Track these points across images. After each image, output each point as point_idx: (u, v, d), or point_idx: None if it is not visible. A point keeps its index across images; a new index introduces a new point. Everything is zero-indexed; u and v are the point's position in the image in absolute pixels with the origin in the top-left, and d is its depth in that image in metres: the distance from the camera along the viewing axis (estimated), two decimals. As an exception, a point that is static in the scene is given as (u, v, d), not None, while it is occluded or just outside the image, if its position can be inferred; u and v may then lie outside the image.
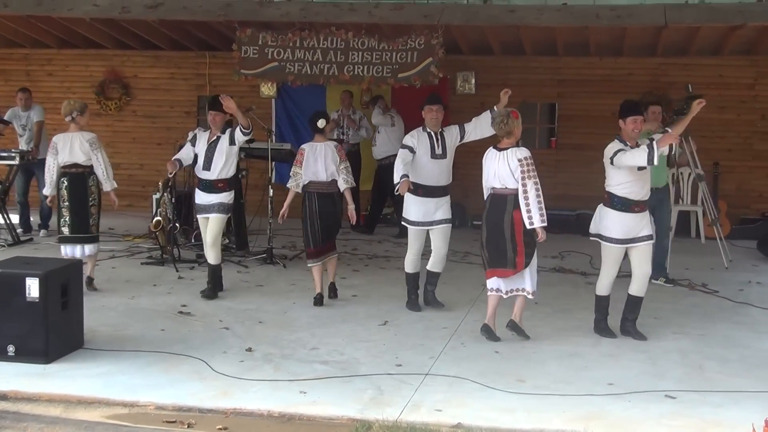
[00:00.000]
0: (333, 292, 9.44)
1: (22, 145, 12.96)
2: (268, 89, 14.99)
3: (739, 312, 9.31)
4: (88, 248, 9.53)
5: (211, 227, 9.44)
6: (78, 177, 9.46)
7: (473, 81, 14.72)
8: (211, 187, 9.40)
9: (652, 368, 7.40)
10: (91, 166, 9.48)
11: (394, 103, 14.71)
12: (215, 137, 9.45)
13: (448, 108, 9.28)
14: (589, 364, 7.46)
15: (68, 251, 9.47)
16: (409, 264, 9.22)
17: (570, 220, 14.01)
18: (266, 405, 6.38)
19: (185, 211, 12.14)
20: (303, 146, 9.25)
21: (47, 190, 9.66)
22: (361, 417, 6.16)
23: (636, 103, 8.34)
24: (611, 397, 6.64)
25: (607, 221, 8.13)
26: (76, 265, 7.98)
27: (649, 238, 8.12)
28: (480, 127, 9.06)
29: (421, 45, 11.96)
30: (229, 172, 9.50)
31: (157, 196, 11.67)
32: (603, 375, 7.16)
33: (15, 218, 12.74)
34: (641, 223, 8.09)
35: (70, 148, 9.43)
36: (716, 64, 13.96)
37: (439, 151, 8.95)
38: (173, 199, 11.50)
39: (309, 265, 9.26)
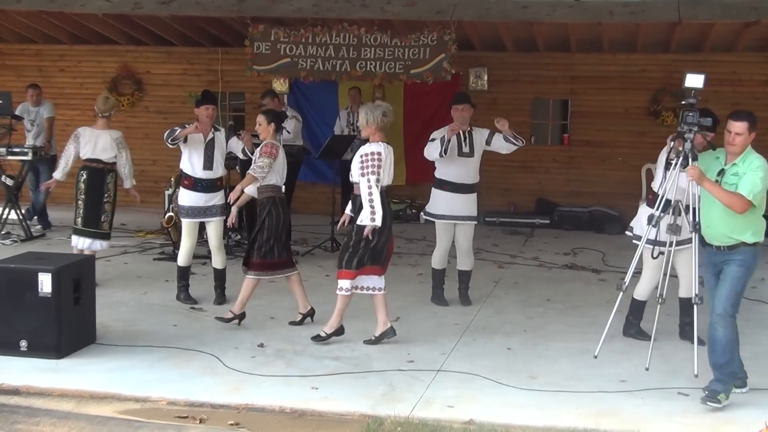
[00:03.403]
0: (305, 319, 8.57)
1: (30, 141, 12.99)
2: (280, 85, 14.99)
3: (752, 309, 9.28)
4: (97, 243, 9.61)
5: (217, 231, 9.13)
6: (97, 173, 9.56)
7: (486, 77, 14.70)
8: (211, 186, 9.11)
9: (665, 365, 7.38)
10: (112, 164, 9.59)
11: (407, 99, 14.71)
12: (211, 135, 9.13)
13: (477, 107, 9.23)
14: (600, 361, 7.43)
15: (78, 243, 9.53)
16: (436, 260, 9.27)
17: (582, 217, 13.98)
18: (278, 401, 6.39)
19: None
20: (275, 142, 8.46)
21: (58, 174, 9.71)
22: (372, 413, 6.16)
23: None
24: (623, 394, 6.63)
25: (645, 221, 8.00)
26: (89, 260, 8.00)
27: (689, 241, 7.93)
28: (498, 144, 9.13)
29: (433, 41, 11.94)
30: (224, 170, 9.37)
31: (170, 191, 11.69)
32: (615, 372, 7.15)
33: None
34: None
35: (94, 143, 9.52)
36: (730, 61, 13.91)
37: (466, 149, 9.00)
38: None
39: (250, 276, 8.34)
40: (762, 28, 12.21)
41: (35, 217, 13.19)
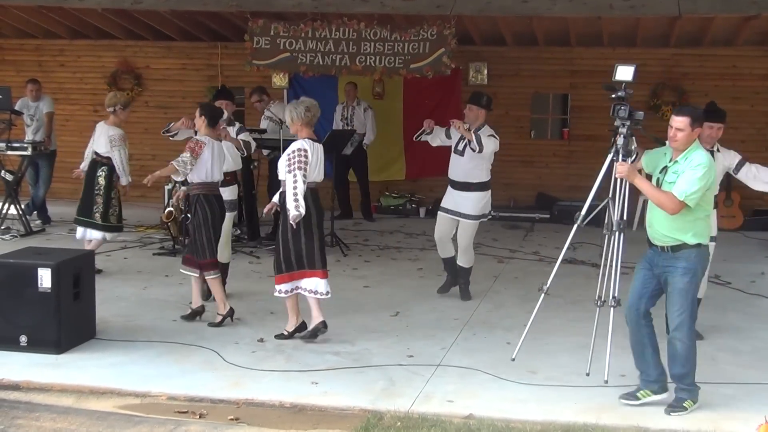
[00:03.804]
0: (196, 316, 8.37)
1: (29, 136, 12.99)
2: (280, 80, 14.97)
3: (752, 303, 9.28)
4: (90, 233, 9.79)
5: (226, 225, 8.98)
6: (93, 165, 9.83)
7: (485, 72, 14.68)
8: (222, 181, 9.20)
9: (664, 360, 7.37)
10: (107, 158, 9.74)
11: (407, 94, 14.69)
12: (223, 129, 9.23)
13: (488, 106, 9.21)
14: (601, 356, 7.42)
15: (77, 232, 9.91)
16: (437, 245, 9.38)
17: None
18: (278, 395, 6.39)
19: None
20: (202, 138, 8.20)
21: (82, 165, 10.10)
22: (372, 408, 6.16)
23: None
24: (623, 388, 6.62)
25: None
26: (89, 255, 8.00)
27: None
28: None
29: (433, 35, 11.93)
30: (234, 165, 9.34)
31: (169, 187, 11.69)
32: (615, 367, 7.14)
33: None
34: None
35: (97, 136, 9.81)
36: (730, 55, 13.89)
37: (460, 147, 9.01)
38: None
39: (212, 276, 8.23)
40: (762, 22, 12.20)
41: (35, 212, 13.19)
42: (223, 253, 9.08)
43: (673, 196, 6.10)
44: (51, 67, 16.06)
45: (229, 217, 9.09)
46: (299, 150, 7.55)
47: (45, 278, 7.13)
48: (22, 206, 12.45)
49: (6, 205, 12.27)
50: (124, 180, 9.82)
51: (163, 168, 8.31)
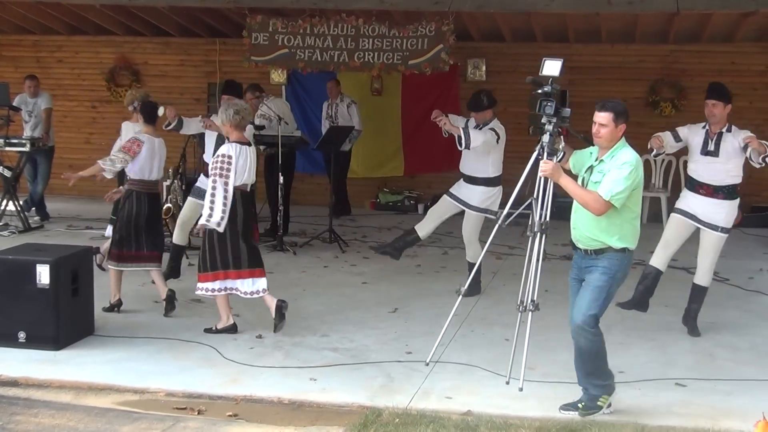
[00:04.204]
0: (171, 304, 8.38)
1: (27, 132, 12.99)
2: (278, 76, 14.96)
3: (750, 300, 9.29)
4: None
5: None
6: None
7: (484, 68, 14.68)
8: None
9: (662, 356, 7.39)
10: None
11: (405, 90, 14.68)
12: (209, 119, 9.28)
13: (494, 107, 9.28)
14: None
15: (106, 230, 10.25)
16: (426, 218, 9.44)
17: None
18: (276, 392, 6.40)
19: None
20: (140, 137, 8.33)
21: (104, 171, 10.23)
22: (371, 404, 6.16)
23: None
24: (621, 385, 6.61)
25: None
26: (87, 251, 7.99)
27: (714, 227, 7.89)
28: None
29: (431, 32, 11.91)
30: None
31: (168, 183, 11.67)
32: (613, 363, 7.10)
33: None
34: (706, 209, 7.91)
35: (124, 136, 10.03)
36: (728, 51, 13.89)
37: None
38: (183, 186, 11.50)
39: (108, 267, 8.38)
40: (760, 18, 12.20)
41: (33, 209, 13.18)
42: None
43: (599, 196, 5.86)
44: (49, 63, 16.05)
45: None
46: (223, 156, 7.61)
47: (43, 274, 7.13)
48: (21, 202, 12.45)
49: (4, 202, 12.27)
50: None
51: (90, 167, 8.46)
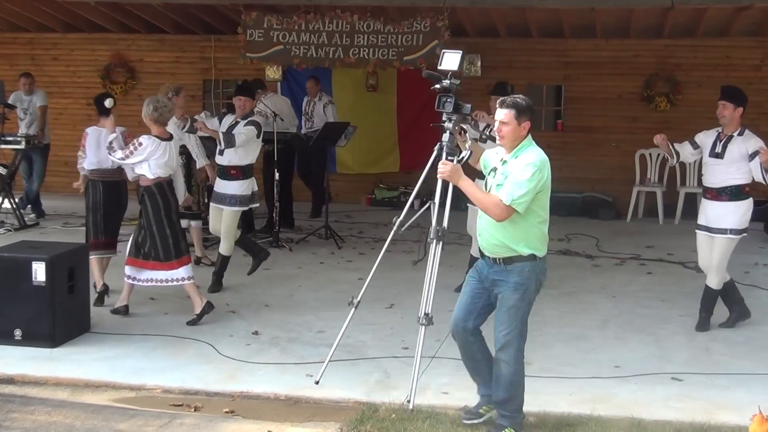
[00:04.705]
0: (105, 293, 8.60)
1: (23, 129, 12.98)
2: (273, 72, 14.93)
3: (746, 294, 9.24)
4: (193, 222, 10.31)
5: (226, 219, 9.21)
6: None
7: (479, 63, 14.64)
8: (224, 173, 9.28)
9: (659, 351, 7.40)
10: (185, 147, 10.05)
11: (400, 86, 14.67)
12: (234, 122, 9.30)
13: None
14: (595, 347, 7.46)
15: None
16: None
17: (576, 202, 13.99)
18: (273, 388, 6.40)
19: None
20: (87, 130, 8.76)
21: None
22: (367, 400, 6.17)
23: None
24: (617, 379, 6.65)
25: None
26: (82, 249, 7.99)
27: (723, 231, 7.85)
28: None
29: (426, 28, 11.91)
30: (243, 159, 9.29)
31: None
32: (609, 358, 7.17)
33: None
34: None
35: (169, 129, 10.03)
36: (723, 46, 13.89)
37: (484, 135, 9.05)
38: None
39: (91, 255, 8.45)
40: (754, 13, 12.21)
41: (29, 206, 13.17)
42: (224, 245, 9.24)
43: (499, 201, 5.40)
44: (44, 60, 16.02)
45: (229, 210, 9.18)
46: (137, 140, 8.05)
47: (39, 272, 7.13)
48: (16, 200, 12.44)
49: (0, 199, 12.25)
50: (201, 162, 10.10)
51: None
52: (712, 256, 7.92)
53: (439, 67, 5.91)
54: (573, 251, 11.27)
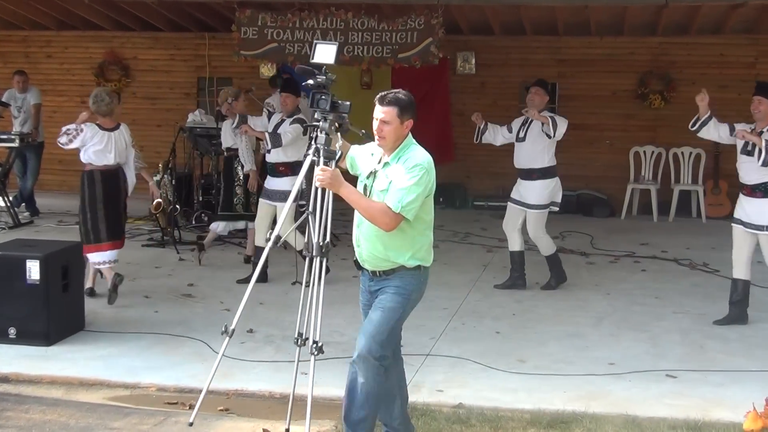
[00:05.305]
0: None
1: (16, 127, 12.97)
2: (267, 70, 14.92)
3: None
4: (233, 225, 10.46)
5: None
6: (227, 159, 10.42)
7: (473, 61, 14.67)
8: (272, 170, 9.36)
9: (653, 348, 7.41)
10: (236, 149, 10.19)
11: (395, 84, 14.66)
12: (280, 120, 9.34)
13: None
14: (589, 344, 7.47)
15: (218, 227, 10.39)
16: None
17: (570, 200, 13.97)
18: (267, 386, 6.40)
19: (185, 193, 12.16)
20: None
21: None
22: (362, 398, 6.15)
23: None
24: (612, 376, 6.65)
25: None
26: (76, 247, 7.98)
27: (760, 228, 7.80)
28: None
29: (421, 25, 11.89)
30: (291, 157, 9.26)
31: (158, 177, 11.66)
32: (604, 355, 7.17)
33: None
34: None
35: (223, 133, 10.33)
36: (717, 43, 13.91)
37: (521, 134, 9.09)
38: (173, 180, 11.50)
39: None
40: (749, 10, 12.21)
41: (23, 204, 13.15)
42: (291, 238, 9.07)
43: (388, 208, 4.83)
44: (38, 58, 16.00)
45: (279, 207, 9.20)
46: (78, 125, 8.34)
47: (33, 270, 7.12)
48: (10, 198, 12.42)
49: (-6, 197, 12.26)
50: (248, 166, 10.15)
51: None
52: (745, 252, 7.95)
53: (311, 60, 5.21)
54: (567, 249, 11.27)
